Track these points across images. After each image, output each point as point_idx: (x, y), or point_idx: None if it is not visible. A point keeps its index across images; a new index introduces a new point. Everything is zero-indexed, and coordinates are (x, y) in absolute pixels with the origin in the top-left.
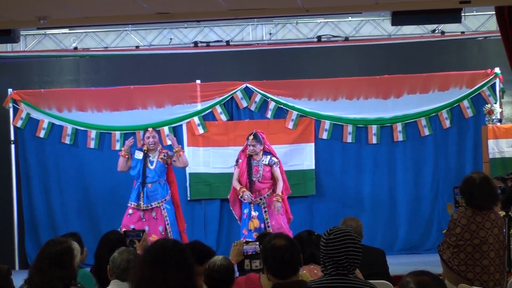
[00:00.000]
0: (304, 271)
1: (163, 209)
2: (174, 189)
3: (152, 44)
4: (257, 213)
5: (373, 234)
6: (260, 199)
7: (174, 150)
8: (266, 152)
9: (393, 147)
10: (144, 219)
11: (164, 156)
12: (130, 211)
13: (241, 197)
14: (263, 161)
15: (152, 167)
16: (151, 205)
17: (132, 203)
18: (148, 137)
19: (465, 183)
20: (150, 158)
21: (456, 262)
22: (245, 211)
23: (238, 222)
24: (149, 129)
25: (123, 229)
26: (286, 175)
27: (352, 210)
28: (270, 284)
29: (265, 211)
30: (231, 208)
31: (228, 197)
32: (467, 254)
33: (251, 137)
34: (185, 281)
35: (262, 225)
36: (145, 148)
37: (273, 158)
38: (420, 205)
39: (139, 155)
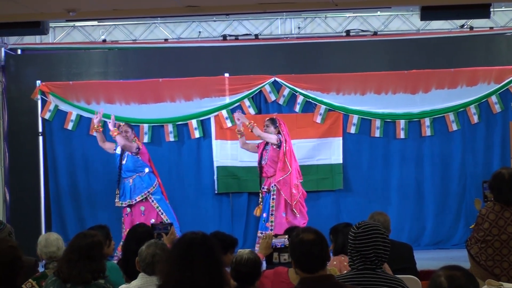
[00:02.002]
0: (335, 262)
1: (152, 200)
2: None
3: (181, 37)
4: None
5: (400, 229)
6: (272, 186)
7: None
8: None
9: (421, 142)
10: (132, 216)
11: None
12: (128, 209)
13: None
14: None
15: (123, 162)
16: (135, 199)
17: (119, 201)
18: (121, 132)
19: (494, 179)
20: (124, 154)
21: (483, 257)
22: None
23: None
24: (121, 123)
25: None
26: (314, 169)
27: (379, 204)
28: (298, 278)
29: (273, 199)
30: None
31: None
32: (495, 249)
33: (267, 118)
34: (213, 275)
35: (264, 215)
36: None
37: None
38: (447, 200)
39: (118, 150)
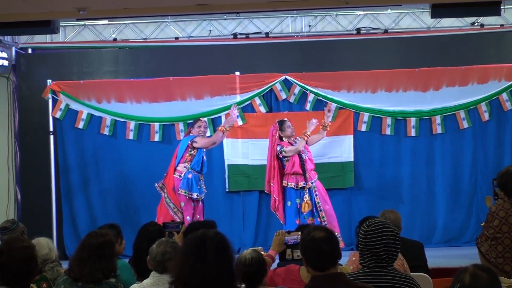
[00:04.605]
0: (354, 258)
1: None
2: None
3: (191, 35)
4: (310, 197)
5: (411, 227)
6: (312, 183)
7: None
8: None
9: (432, 140)
10: (197, 210)
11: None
12: (194, 203)
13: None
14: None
15: (205, 159)
16: (201, 197)
17: (194, 193)
18: (200, 126)
19: (505, 177)
20: (204, 150)
21: (493, 254)
22: (297, 201)
23: (282, 221)
24: (201, 118)
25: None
26: (325, 167)
27: (390, 202)
28: (309, 276)
29: (316, 195)
30: (274, 212)
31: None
32: (505, 246)
33: (288, 121)
34: (223, 269)
35: (314, 210)
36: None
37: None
38: (458, 198)
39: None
